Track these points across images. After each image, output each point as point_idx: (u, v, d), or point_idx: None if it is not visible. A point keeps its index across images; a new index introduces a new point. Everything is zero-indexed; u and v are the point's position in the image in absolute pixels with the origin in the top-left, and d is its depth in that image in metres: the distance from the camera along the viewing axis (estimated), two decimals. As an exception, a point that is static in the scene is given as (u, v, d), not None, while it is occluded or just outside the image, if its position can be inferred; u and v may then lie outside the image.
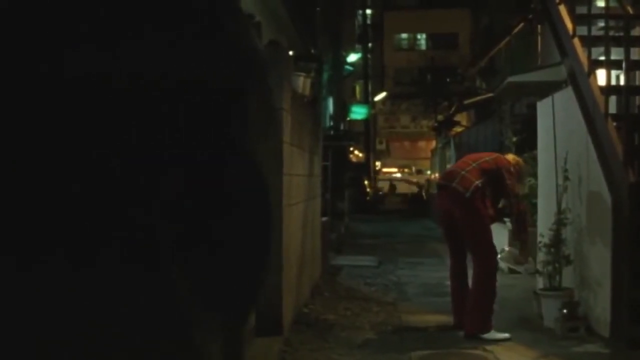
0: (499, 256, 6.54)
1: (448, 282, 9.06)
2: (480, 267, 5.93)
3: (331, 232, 11.13)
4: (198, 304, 0.67)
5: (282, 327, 5.50)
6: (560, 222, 6.35)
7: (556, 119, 6.90)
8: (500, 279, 8.52)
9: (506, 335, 5.80)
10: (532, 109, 8.20)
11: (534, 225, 7.90)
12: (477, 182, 5.90)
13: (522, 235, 6.37)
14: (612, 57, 6.15)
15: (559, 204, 6.39)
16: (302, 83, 7.79)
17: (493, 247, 6.02)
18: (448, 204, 6.09)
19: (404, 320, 6.71)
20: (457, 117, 23.23)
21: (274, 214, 0.76)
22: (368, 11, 35.17)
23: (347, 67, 21.59)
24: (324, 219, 9.07)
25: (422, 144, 46.38)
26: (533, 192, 8.76)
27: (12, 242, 0.63)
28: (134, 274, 0.65)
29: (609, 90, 6.06)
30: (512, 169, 6.24)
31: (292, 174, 6.15)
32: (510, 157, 6.70)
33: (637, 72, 7.01)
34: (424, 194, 30.01)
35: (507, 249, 6.78)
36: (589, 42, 6.38)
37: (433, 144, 31.07)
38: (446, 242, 6.46)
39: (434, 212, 9.04)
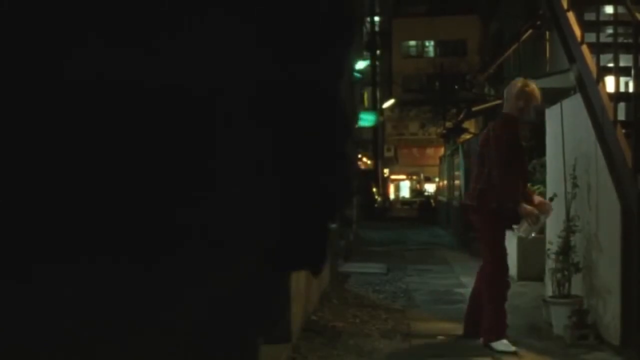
0: (519, 233, 6.14)
1: (457, 290, 8.99)
2: (487, 269, 5.81)
3: (340, 239, 11.12)
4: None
5: (291, 334, 5.50)
6: (569, 230, 6.32)
7: (565, 126, 6.88)
8: (510, 287, 8.48)
9: (513, 348, 5.61)
10: (541, 115, 8.16)
11: (542, 232, 7.87)
12: (478, 187, 5.89)
13: (505, 203, 5.66)
14: (621, 64, 6.13)
15: (567, 211, 6.37)
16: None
17: (501, 250, 5.77)
18: (470, 219, 6.15)
19: (413, 327, 6.69)
20: (466, 124, 23.17)
21: None
22: (376, 18, 35.23)
23: (355, 74, 21.61)
24: (333, 226, 9.05)
25: (430, 151, 46.36)
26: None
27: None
28: None
29: (618, 97, 6.04)
30: (502, 121, 5.92)
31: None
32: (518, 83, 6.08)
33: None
34: (432, 201, 30.01)
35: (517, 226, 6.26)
36: (598, 48, 6.37)
37: (441, 151, 31.01)
38: None
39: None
